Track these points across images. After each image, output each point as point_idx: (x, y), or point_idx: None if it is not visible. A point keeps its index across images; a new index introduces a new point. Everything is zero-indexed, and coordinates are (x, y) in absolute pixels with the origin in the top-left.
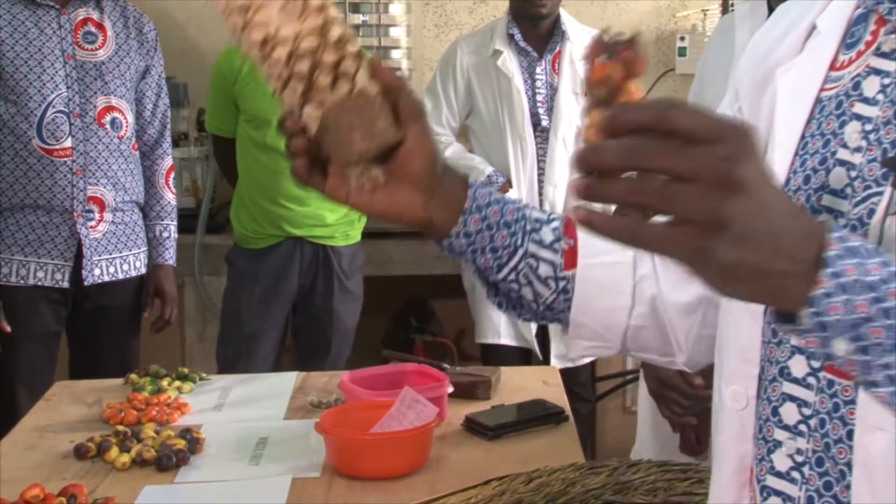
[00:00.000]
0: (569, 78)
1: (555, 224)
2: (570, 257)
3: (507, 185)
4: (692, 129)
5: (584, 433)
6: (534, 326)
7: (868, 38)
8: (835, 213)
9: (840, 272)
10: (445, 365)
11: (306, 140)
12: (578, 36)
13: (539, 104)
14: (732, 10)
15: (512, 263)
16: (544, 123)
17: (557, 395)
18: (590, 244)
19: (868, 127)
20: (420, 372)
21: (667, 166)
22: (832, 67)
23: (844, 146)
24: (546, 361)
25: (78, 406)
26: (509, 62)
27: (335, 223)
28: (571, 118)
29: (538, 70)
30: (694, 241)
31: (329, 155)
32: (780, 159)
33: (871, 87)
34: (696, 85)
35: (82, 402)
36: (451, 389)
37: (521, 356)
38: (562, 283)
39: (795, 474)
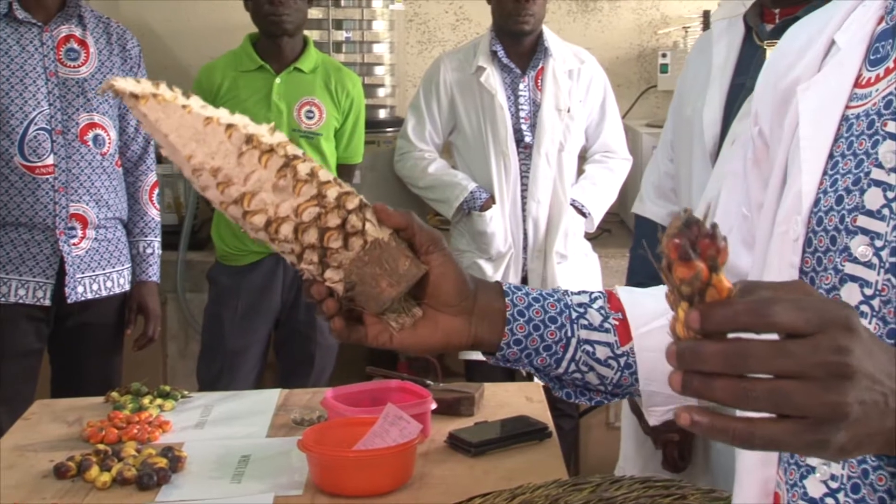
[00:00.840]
0: (552, 94)
1: (599, 303)
2: (623, 332)
3: (491, 201)
4: (793, 325)
5: (567, 449)
6: None
7: None
8: (871, 234)
9: None
10: (429, 381)
11: (336, 301)
12: (561, 53)
13: (522, 120)
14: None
15: (569, 356)
16: (527, 140)
17: (541, 412)
18: (638, 312)
19: None
20: (403, 388)
21: (774, 369)
22: (857, 84)
23: (879, 166)
24: (530, 378)
25: (58, 425)
26: (492, 79)
27: None
28: (554, 135)
29: (521, 86)
30: (810, 437)
31: (362, 308)
32: (807, 179)
33: None
34: (676, 101)
35: (62, 420)
36: (434, 406)
37: (504, 372)
38: (623, 360)
39: (830, 501)
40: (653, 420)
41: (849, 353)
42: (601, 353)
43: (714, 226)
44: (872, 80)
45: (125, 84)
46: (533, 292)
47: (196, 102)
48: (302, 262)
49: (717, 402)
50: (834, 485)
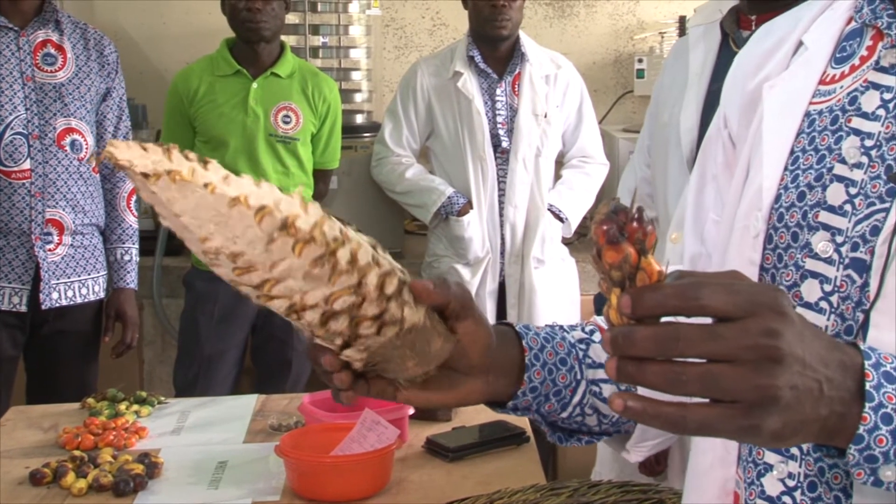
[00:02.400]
0: (529, 99)
1: (597, 336)
2: None
3: (468, 206)
4: (723, 308)
5: (545, 454)
6: None
7: (863, 52)
8: (832, 229)
9: (881, 402)
10: None
11: (350, 372)
12: (538, 58)
13: (499, 125)
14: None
15: (576, 400)
16: (504, 145)
17: (518, 417)
18: None
19: (868, 142)
20: None
21: (705, 352)
22: (821, 81)
23: (842, 161)
24: None
25: (33, 431)
26: (469, 84)
27: None
28: (531, 139)
29: (498, 91)
30: (742, 421)
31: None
32: (768, 174)
33: (870, 101)
34: (652, 107)
35: (38, 427)
36: (411, 411)
37: None
38: None
39: (787, 499)
40: (634, 457)
41: (779, 337)
42: (608, 390)
43: (640, 209)
44: (837, 77)
45: (129, 155)
46: (540, 331)
47: (216, 173)
48: (317, 339)
49: (650, 387)
50: (791, 483)
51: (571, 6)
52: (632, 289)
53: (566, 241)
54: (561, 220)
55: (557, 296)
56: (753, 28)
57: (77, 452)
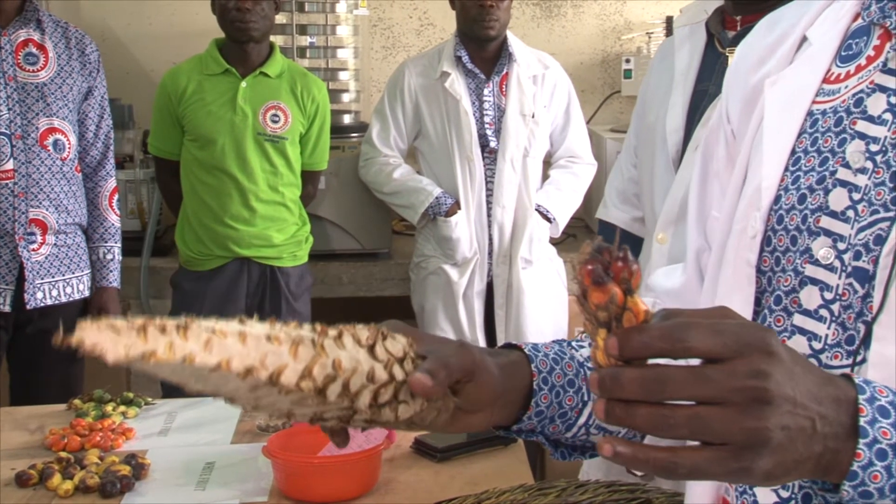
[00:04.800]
0: (516, 99)
1: None
2: None
3: (456, 206)
4: (710, 350)
5: (532, 454)
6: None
7: (870, 52)
8: (834, 236)
9: (876, 438)
10: None
11: (346, 434)
12: (525, 58)
13: (487, 126)
14: None
15: (581, 421)
16: (492, 145)
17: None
18: None
19: (874, 147)
20: None
21: (692, 395)
22: (825, 80)
23: (846, 165)
24: None
25: (19, 432)
26: (457, 84)
27: (282, 243)
28: (519, 140)
29: (486, 92)
30: (733, 464)
31: None
32: (768, 174)
33: (876, 105)
34: (639, 107)
35: (24, 428)
36: None
37: None
38: None
39: (784, 492)
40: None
41: (767, 378)
42: None
43: (625, 249)
44: (842, 77)
45: (99, 340)
46: (549, 352)
47: (197, 340)
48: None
49: (639, 430)
50: (785, 494)
51: (559, 6)
52: (619, 330)
53: (554, 242)
54: (549, 220)
55: (545, 296)
56: (738, 28)
57: (63, 454)
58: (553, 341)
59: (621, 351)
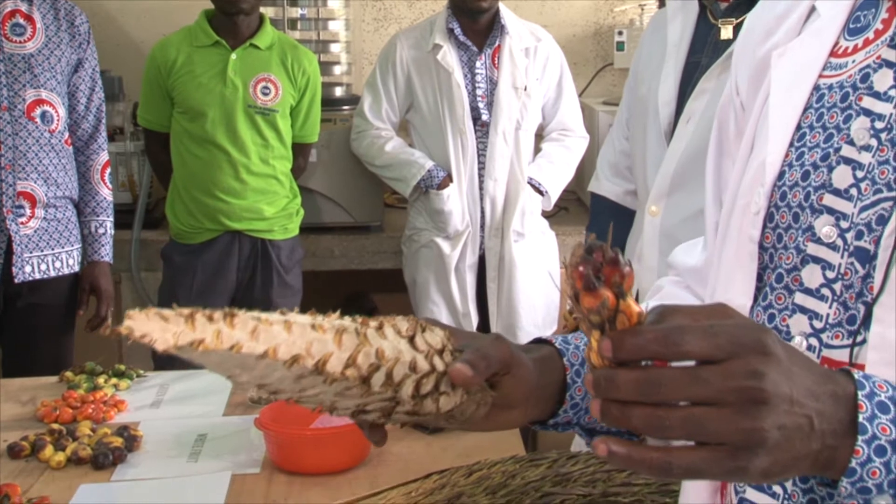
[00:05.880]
0: (508, 72)
1: None
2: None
3: (448, 179)
4: (705, 352)
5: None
6: (475, 320)
7: (878, 25)
8: (837, 214)
9: (875, 434)
10: None
11: (384, 432)
12: (517, 31)
13: (479, 98)
14: None
15: None
16: (484, 118)
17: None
18: None
19: (879, 125)
20: None
21: (688, 396)
22: (832, 53)
23: (850, 143)
24: None
25: (11, 404)
26: (449, 56)
27: (273, 216)
28: (511, 113)
29: (478, 64)
30: (729, 463)
31: None
32: (773, 150)
33: (882, 80)
34: (631, 80)
35: (16, 400)
36: None
37: None
38: None
39: (777, 489)
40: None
41: (763, 378)
42: None
43: (616, 250)
44: (850, 50)
45: (148, 329)
46: (580, 343)
47: (244, 328)
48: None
49: (635, 430)
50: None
51: None
52: (612, 333)
53: (546, 215)
54: (541, 193)
55: (537, 269)
56: (731, 0)
57: (55, 426)
58: (582, 333)
59: (615, 354)
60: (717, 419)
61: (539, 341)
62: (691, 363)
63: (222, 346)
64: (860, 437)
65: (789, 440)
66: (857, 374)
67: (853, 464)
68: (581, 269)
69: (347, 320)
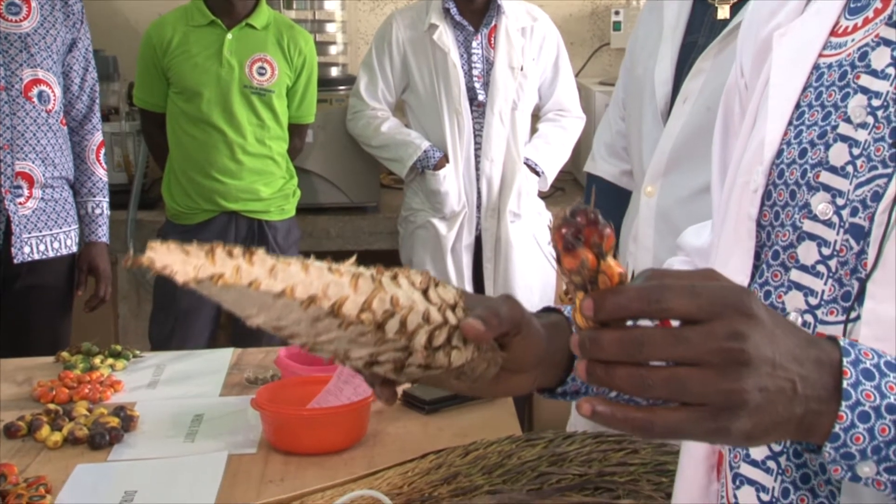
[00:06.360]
0: (505, 52)
1: None
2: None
3: (444, 160)
4: (686, 311)
5: (520, 406)
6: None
7: (878, 4)
8: (833, 191)
9: (859, 400)
10: None
11: (394, 390)
12: (514, 10)
13: (475, 79)
14: None
15: None
16: (480, 98)
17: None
18: None
19: (875, 102)
20: None
21: (670, 356)
22: (833, 33)
23: (847, 120)
24: None
25: (7, 384)
26: (445, 36)
27: (270, 197)
28: (508, 93)
29: (474, 44)
30: (710, 424)
31: None
32: (772, 128)
33: (880, 58)
34: (627, 60)
35: (12, 380)
36: None
37: None
38: None
39: (771, 464)
40: None
41: (745, 339)
42: None
43: (595, 212)
44: (850, 30)
45: (170, 261)
46: None
47: (262, 266)
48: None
49: (618, 390)
50: (776, 447)
51: None
52: (594, 292)
53: (542, 195)
54: (537, 173)
55: (534, 250)
56: None
57: (52, 406)
58: None
59: (596, 313)
60: (698, 379)
61: (547, 309)
62: (676, 324)
63: (241, 282)
64: (844, 403)
65: (771, 403)
66: (842, 342)
67: (837, 429)
68: (562, 229)
69: (363, 268)
